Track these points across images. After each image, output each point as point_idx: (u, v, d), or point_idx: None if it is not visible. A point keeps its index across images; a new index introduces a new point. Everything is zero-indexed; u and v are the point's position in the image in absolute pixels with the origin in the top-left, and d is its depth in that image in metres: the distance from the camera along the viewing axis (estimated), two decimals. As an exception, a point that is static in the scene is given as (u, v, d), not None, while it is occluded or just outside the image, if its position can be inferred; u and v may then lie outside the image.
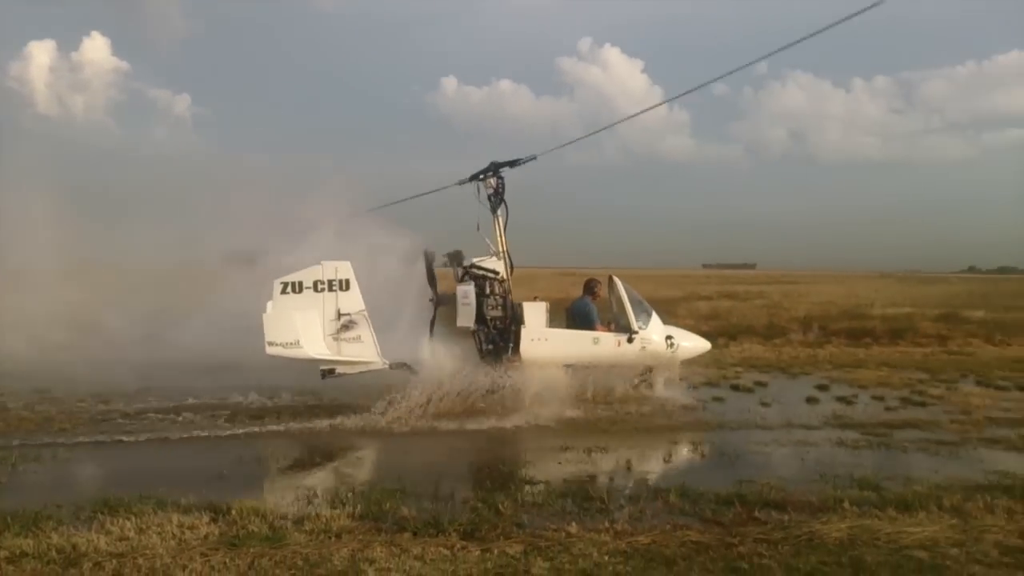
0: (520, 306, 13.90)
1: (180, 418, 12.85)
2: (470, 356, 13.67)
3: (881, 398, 15.09)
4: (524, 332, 13.58)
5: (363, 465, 10.42)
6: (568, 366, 13.67)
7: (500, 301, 13.83)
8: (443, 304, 14.00)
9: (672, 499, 8.28)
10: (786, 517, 7.65)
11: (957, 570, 6.24)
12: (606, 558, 6.51)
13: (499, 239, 14.14)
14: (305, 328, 12.60)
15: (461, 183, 14.22)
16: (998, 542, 6.90)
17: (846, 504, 7.94)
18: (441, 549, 6.71)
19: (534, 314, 13.82)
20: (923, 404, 14.41)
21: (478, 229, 14.13)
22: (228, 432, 11.92)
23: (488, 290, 13.78)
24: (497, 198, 14.16)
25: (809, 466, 10.13)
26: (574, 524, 7.38)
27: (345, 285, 12.96)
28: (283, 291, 12.72)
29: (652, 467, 10.57)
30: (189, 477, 9.01)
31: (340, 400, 13.67)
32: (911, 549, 6.72)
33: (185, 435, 11.69)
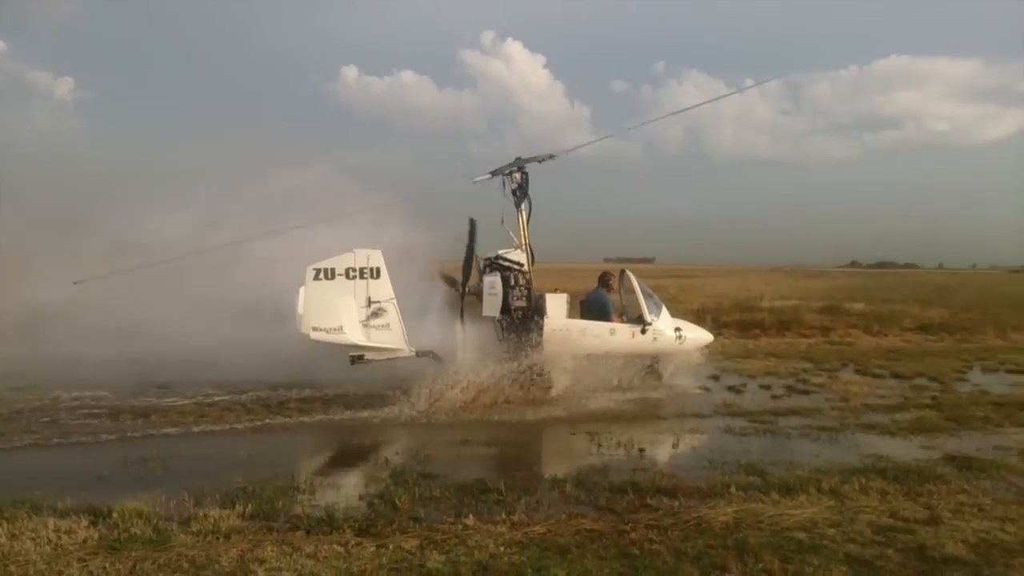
0: (543, 297, 14.42)
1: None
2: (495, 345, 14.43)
3: (768, 387, 15.87)
4: (546, 322, 14.01)
5: (256, 463, 10.08)
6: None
7: (524, 292, 14.33)
8: (472, 294, 14.68)
9: (568, 489, 8.51)
10: (676, 503, 8.01)
11: (833, 549, 6.66)
12: (502, 549, 6.61)
13: (522, 232, 14.68)
14: (347, 314, 13.03)
15: (476, 181, 14.58)
16: (871, 522, 7.42)
17: (733, 489, 8.36)
18: (335, 546, 6.65)
19: (556, 305, 14.30)
20: (806, 392, 15.26)
21: (502, 223, 14.72)
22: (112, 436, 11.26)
23: (513, 281, 14.31)
24: (521, 193, 14.67)
25: (700, 453, 10.60)
26: (471, 516, 7.49)
27: (376, 273, 13.37)
28: (315, 277, 13.05)
29: (551, 458, 10.77)
30: (68, 480, 8.57)
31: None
32: (792, 530, 7.12)
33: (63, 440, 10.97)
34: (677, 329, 15.23)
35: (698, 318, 19.34)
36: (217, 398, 13.65)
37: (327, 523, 7.17)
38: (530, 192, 14.67)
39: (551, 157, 14.74)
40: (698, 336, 15.88)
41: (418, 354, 13.69)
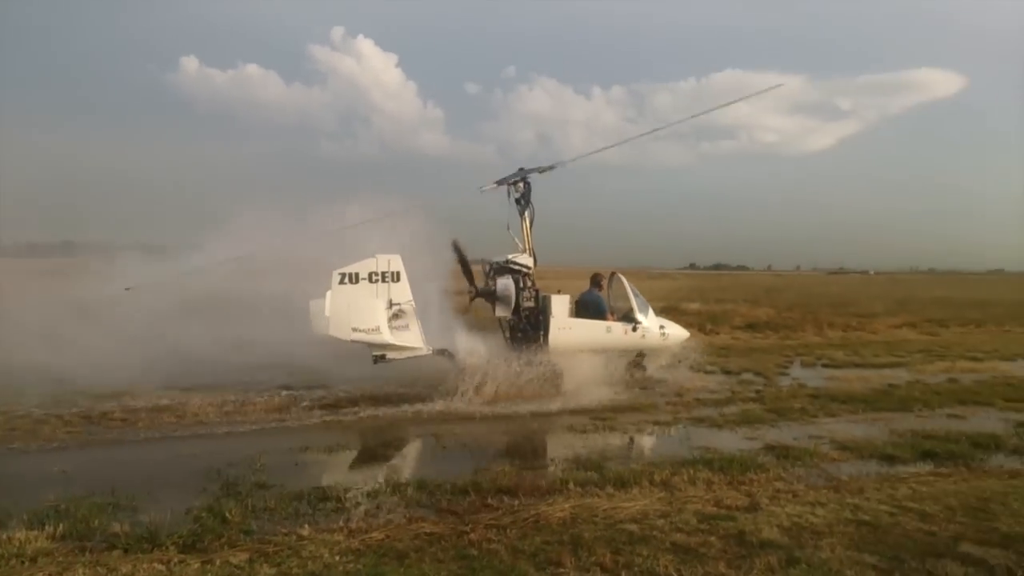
0: (548, 298, 15.34)
1: None
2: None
3: (610, 384, 16.28)
4: (552, 322, 15.01)
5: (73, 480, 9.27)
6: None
7: (533, 293, 15.48)
8: (481, 296, 15.55)
9: (410, 492, 8.42)
10: (516, 502, 8.14)
11: (661, 539, 6.96)
12: (337, 558, 6.45)
13: (526, 237, 15.73)
14: (381, 316, 13.85)
15: (483, 191, 15.61)
16: (697, 511, 7.82)
17: (571, 485, 8.60)
18: (156, 565, 6.25)
19: (560, 305, 15.26)
20: (644, 388, 15.80)
21: (508, 228, 15.79)
22: None
23: (522, 283, 15.39)
24: (524, 201, 15.70)
25: (541, 451, 10.78)
26: (307, 526, 7.27)
27: (396, 277, 14.12)
28: (340, 281, 13.75)
29: (394, 462, 10.58)
30: None
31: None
32: (624, 523, 7.39)
33: None
34: (661, 327, 16.48)
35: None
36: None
37: (148, 540, 6.71)
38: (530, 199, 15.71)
39: (551, 168, 15.91)
40: (678, 333, 17.05)
41: (435, 352, 14.61)
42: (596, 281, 16.70)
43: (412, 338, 14.28)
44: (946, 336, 28.62)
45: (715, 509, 7.88)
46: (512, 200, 15.82)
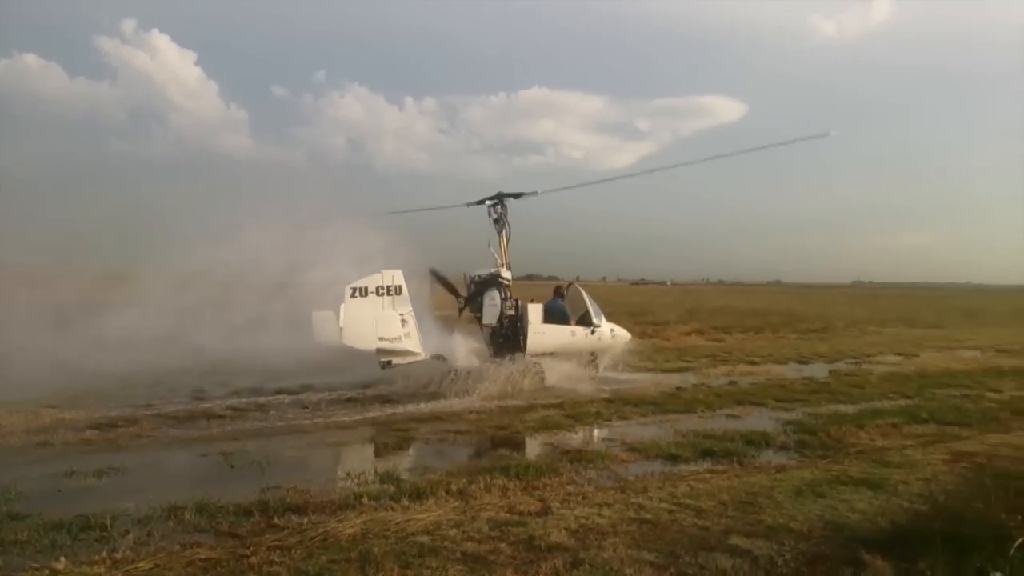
0: (525, 306, 17.56)
1: None
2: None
3: (415, 395, 16.21)
4: (530, 328, 17.28)
5: None
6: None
7: (513, 303, 17.72)
8: (469, 305, 17.78)
9: (188, 516, 7.83)
10: (305, 520, 7.82)
11: (452, 549, 6.93)
12: (95, 592, 5.80)
13: (503, 253, 18.01)
14: (399, 326, 15.68)
15: (469, 204, 18.30)
16: (490, 518, 7.87)
17: (365, 499, 8.40)
18: None
19: (535, 313, 17.54)
20: (445, 398, 15.82)
21: (488, 246, 17.99)
22: None
23: (504, 294, 17.58)
24: (501, 221, 17.96)
25: (338, 466, 10.43)
26: (63, 559, 6.56)
27: (399, 290, 15.80)
28: (352, 295, 15.23)
29: (174, 484, 9.76)
30: None
31: None
32: (417, 535, 7.29)
33: None
34: (612, 329, 19.00)
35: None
36: None
37: None
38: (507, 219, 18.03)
39: (534, 193, 18.20)
40: (624, 334, 19.61)
41: (432, 357, 16.44)
42: (558, 291, 19.06)
43: (414, 345, 16.01)
44: (729, 342, 31.16)
45: (508, 515, 7.98)
46: (491, 220, 18.14)
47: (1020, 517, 6.77)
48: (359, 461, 10.50)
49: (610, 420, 13.88)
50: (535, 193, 18.29)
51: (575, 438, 12.33)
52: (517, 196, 18.10)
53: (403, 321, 15.79)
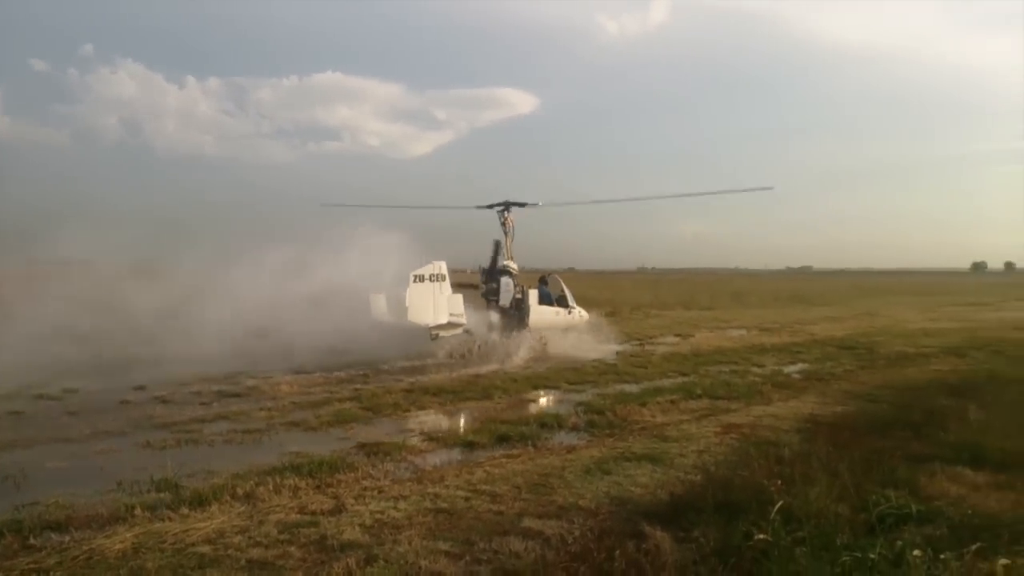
0: (526, 291, 22.50)
1: None
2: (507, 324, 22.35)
3: (199, 393, 15.22)
4: (531, 309, 22.09)
5: None
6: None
7: (519, 289, 22.68)
8: (489, 288, 22.73)
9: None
10: (67, 537, 7.08)
11: (237, 557, 6.57)
12: None
13: (509, 248, 23.05)
14: (446, 307, 19.39)
15: (480, 207, 23.40)
16: (280, 521, 7.54)
17: (138, 511, 7.75)
18: None
19: (534, 297, 22.39)
20: (238, 395, 15.06)
21: (498, 242, 23.03)
22: None
23: (515, 281, 22.60)
24: (506, 224, 23.04)
25: (108, 475, 9.47)
26: None
27: (443, 277, 19.38)
28: (415, 280, 18.63)
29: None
30: None
31: None
32: (197, 545, 6.85)
33: None
34: (581, 311, 24.39)
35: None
36: None
37: None
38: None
39: (536, 204, 23.59)
40: (586, 315, 24.83)
41: (464, 331, 20.64)
42: (542, 280, 24.06)
43: (456, 321, 20.05)
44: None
45: (299, 516, 7.69)
46: (500, 222, 23.21)
47: (779, 482, 7.52)
48: (132, 469, 9.59)
49: (409, 410, 13.82)
50: (536, 204, 23.65)
51: (372, 431, 12.11)
52: (521, 205, 23.40)
53: (444, 302, 19.49)
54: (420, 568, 6.29)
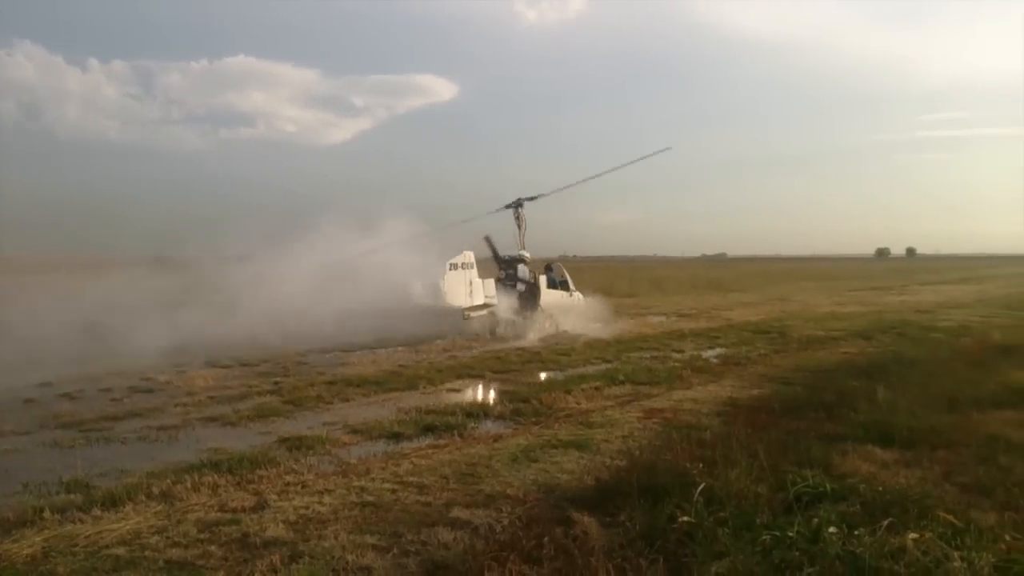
0: (537, 277, 26.00)
1: None
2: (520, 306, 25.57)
3: (109, 389, 14.63)
4: (543, 293, 25.62)
5: None
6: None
7: (532, 275, 26.13)
8: (506, 274, 25.96)
9: None
10: (-31, 545, 6.60)
11: (154, 558, 6.36)
12: None
13: (522, 240, 26.39)
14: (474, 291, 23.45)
15: (498, 210, 26.24)
16: (199, 519, 7.33)
17: (47, 513, 7.39)
18: None
19: (544, 283, 25.94)
20: (150, 391, 14.55)
21: (515, 236, 26.50)
22: None
23: (529, 268, 26.20)
24: (520, 217, 26.16)
25: (13, 477, 9.02)
26: None
27: (472, 265, 23.39)
28: (450, 269, 22.47)
29: None
30: None
31: None
32: (111, 547, 6.60)
33: None
34: (581, 295, 28.18)
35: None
36: None
37: None
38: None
39: (543, 195, 26.35)
40: (582, 298, 28.30)
41: (489, 312, 23.72)
42: (548, 267, 27.54)
43: (481, 302, 23.52)
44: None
45: (219, 514, 7.48)
46: (514, 218, 26.22)
47: (701, 464, 7.71)
48: (39, 470, 9.15)
49: (332, 403, 13.59)
50: (544, 195, 26.38)
51: (294, 424, 11.87)
52: (532, 199, 26.18)
53: (476, 286, 23.41)
54: (347, 563, 6.20)
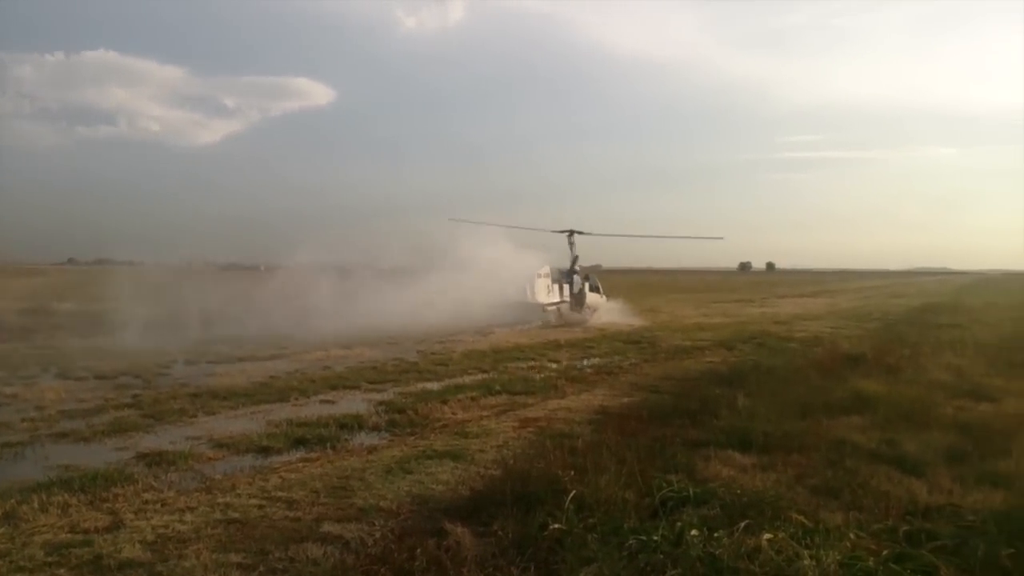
0: (580, 282, 37.16)
1: None
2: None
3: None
4: (587, 294, 36.74)
5: None
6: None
7: (582, 281, 37.30)
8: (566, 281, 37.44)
9: None
10: None
11: (-4, 586, 5.81)
12: None
13: (574, 256, 37.77)
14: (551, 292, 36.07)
15: (556, 232, 38.80)
16: (47, 542, 6.89)
17: None
18: None
19: (585, 286, 37.15)
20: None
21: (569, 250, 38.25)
22: None
23: (580, 276, 37.60)
24: (572, 241, 38.00)
25: None
26: None
27: (549, 274, 35.68)
28: (538, 277, 34.38)
29: None
30: None
31: None
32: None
33: None
34: (607, 296, 39.26)
35: None
36: None
37: None
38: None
39: (588, 233, 39.38)
40: (605, 299, 39.29)
41: (557, 308, 35.44)
42: (587, 275, 38.32)
43: (556, 300, 35.45)
44: (323, 329, 31.08)
45: (70, 535, 7.02)
46: (569, 243, 37.76)
47: (573, 472, 7.90)
48: None
49: (195, 416, 12.98)
50: (590, 233, 39.19)
51: (154, 439, 11.27)
52: (581, 233, 38.25)
53: (552, 289, 35.38)
54: (210, 582, 5.96)
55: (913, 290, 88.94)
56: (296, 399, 14.77)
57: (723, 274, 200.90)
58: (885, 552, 5.99)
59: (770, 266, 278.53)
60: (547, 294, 35.01)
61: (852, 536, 6.31)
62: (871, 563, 5.76)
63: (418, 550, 6.15)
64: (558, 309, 35.67)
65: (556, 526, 6.42)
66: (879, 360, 17.98)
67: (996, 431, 10.79)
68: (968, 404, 13.10)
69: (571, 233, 37.91)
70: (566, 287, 37.00)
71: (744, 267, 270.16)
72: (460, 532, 6.78)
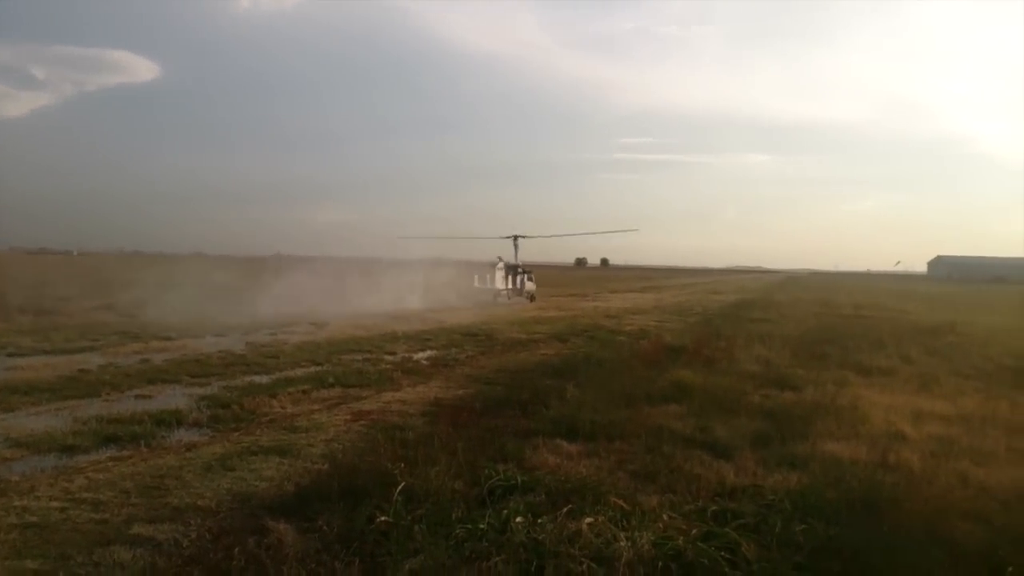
0: (522, 272, 53.97)
1: None
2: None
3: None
4: (526, 282, 53.10)
5: None
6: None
7: (522, 272, 53.19)
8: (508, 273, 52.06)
9: None
10: None
11: None
12: None
13: (516, 256, 54.05)
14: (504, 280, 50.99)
15: (504, 238, 54.32)
16: None
17: None
18: None
19: (525, 276, 53.93)
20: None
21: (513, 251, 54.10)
22: None
23: (519, 269, 53.14)
24: (516, 244, 53.58)
25: None
26: None
27: (502, 267, 50.38)
28: (496, 269, 49.84)
29: None
30: None
31: None
32: None
33: None
34: (534, 284, 54.74)
35: None
36: None
37: None
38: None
39: (532, 237, 55.46)
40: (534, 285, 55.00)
41: (506, 293, 51.05)
42: (526, 269, 52.31)
43: (505, 286, 50.20)
44: (142, 319, 29.18)
45: None
46: (514, 245, 52.54)
47: (403, 464, 7.91)
48: None
49: (-11, 413, 11.86)
50: (536, 236, 54.83)
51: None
52: (525, 237, 52.79)
53: (507, 280, 49.79)
54: (0, 594, 5.49)
55: (731, 287, 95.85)
56: (108, 394, 13.80)
57: (560, 269, 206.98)
58: (694, 531, 6.45)
59: (604, 262, 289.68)
60: (503, 282, 48.95)
61: (665, 517, 6.74)
62: (681, 542, 6.17)
63: (236, 549, 5.93)
64: (506, 293, 49.02)
65: (383, 519, 6.41)
66: (698, 352, 19.26)
67: (796, 417, 11.86)
68: (774, 392, 14.28)
69: (515, 238, 51.67)
70: (511, 277, 49.88)
71: (580, 262, 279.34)
72: (282, 529, 6.61)
